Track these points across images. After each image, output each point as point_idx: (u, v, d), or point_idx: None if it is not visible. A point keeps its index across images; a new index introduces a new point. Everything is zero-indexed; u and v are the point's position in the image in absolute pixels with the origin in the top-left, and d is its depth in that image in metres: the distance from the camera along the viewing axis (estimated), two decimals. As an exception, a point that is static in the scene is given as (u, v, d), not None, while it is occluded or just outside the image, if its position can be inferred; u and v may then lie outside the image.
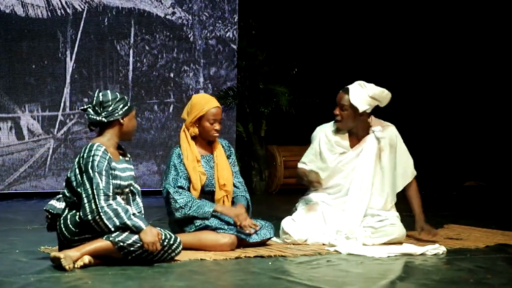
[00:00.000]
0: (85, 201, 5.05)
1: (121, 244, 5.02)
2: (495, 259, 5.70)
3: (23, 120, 9.78)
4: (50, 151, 9.92)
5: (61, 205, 5.24)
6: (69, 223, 5.14)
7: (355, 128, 6.31)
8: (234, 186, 6.08)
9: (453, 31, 12.03)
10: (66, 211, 5.19)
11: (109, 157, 5.17)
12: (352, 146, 6.34)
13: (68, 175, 5.24)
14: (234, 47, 10.77)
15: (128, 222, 5.06)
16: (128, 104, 5.30)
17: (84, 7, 9.98)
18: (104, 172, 5.09)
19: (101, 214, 5.02)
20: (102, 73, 10.17)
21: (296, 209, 6.36)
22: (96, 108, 5.26)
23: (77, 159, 5.20)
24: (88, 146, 5.18)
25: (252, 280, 4.89)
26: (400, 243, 6.08)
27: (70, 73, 9.98)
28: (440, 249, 5.86)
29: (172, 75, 10.48)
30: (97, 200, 5.03)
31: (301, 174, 6.34)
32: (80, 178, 5.13)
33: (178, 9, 10.48)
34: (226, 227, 5.81)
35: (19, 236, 6.48)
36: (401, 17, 11.92)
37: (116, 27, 10.18)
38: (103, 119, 5.24)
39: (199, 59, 10.61)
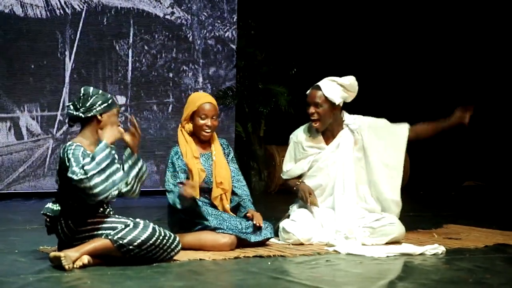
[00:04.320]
0: (70, 174, 5.01)
1: (120, 242, 5.02)
2: (494, 259, 5.70)
3: (22, 120, 9.78)
4: (49, 151, 9.92)
5: (58, 207, 5.24)
6: (70, 222, 5.15)
7: (330, 124, 6.32)
8: (237, 194, 6.09)
9: (452, 30, 12.03)
10: (65, 210, 5.20)
11: (84, 149, 5.12)
12: (327, 143, 6.36)
13: (56, 178, 5.26)
14: (233, 47, 10.77)
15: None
16: (109, 102, 5.25)
17: (83, 7, 9.98)
18: (80, 158, 5.04)
19: (86, 177, 4.98)
20: (101, 73, 10.17)
21: (289, 214, 6.35)
22: (76, 103, 5.24)
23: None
24: (63, 147, 5.16)
25: (251, 280, 4.89)
26: (400, 242, 6.08)
27: (69, 73, 9.98)
28: (439, 249, 5.86)
29: (171, 75, 10.48)
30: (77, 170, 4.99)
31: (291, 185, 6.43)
32: (61, 174, 5.12)
33: (177, 9, 10.48)
34: (225, 227, 5.81)
35: (18, 236, 6.48)
36: (400, 17, 11.92)
37: (115, 27, 10.18)
38: (81, 114, 5.21)
39: (198, 59, 10.61)
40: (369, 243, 6.04)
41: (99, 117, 5.22)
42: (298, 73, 11.15)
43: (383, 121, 6.50)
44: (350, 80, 6.29)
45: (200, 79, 10.63)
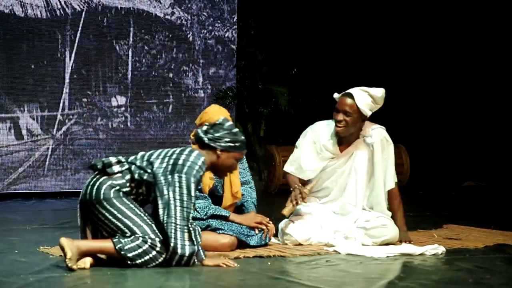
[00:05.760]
0: (164, 205, 5.02)
1: (126, 255, 4.94)
2: (494, 259, 5.71)
3: (22, 120, 9.78)
4: (49, 151, 9.92)
5: (119, 168, 5.10)
6: (103, 187, 5.05)
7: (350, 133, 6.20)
8: (242, 195, 6.08)
9: (453, 30, 12.03)
10: (110, 176, 5.09)
11: (203, 173, 5.13)
12: (341, 150, 6.23)
13: (154, 162, 5.10)
14: (233, 47, 10.77)
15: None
16: (236, 144, 5.20)
17: (83, 7, 9.99)
18: (194, 187, 5.03)
19: (174, 229, 4.99)
20: (101, 73, 10.17)
21: (288, 216, 6.30)
22: (208, 127, 5.23)
23: (171, 156, 5.10)
24: (190, 150, 5.11)
25: (251, 280, 4.89)
26: (392, 244, 6.06)
27: (69, 73, 9.98)
28: (439, 249, 5.86)
29: (171, 75, 10.48)
30: (177, 214, 5.00)
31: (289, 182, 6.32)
32: (168, 177, 5.04)
33: (177, 9, 10.48)
34: (226, 228, 5.81)
35: (18, 236, 6.47)
36: (399, 17, 11.92)
37: (115, 27, 10.18)
38: (206, 139, 5.19)
39: (198, 59, 10.61)
40: (369, 243, 6.03)
41: (218, 152, 5.19)
42: (298, 73, 11.15)
43: (389, 155, 6.27)
44: (381, 93, 6.10)
45: (200, 79, 10.63)
